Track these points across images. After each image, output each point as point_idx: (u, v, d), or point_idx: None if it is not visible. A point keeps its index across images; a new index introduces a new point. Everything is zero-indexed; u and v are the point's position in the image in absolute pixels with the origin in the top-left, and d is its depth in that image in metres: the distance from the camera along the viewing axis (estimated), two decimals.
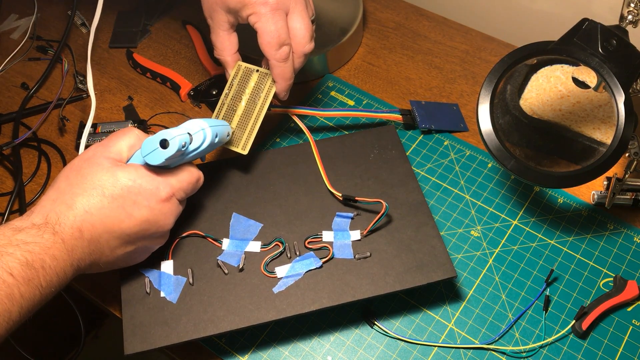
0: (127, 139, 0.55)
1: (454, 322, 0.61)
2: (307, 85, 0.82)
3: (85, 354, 0.71)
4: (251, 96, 0.65)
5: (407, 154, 0.73)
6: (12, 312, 0.45)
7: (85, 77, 0.82)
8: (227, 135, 0.63)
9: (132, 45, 0.87)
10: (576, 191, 0.70)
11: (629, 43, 0.57)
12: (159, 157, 0.52)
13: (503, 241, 0.66)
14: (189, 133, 0.55)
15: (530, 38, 0.63)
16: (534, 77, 0.69)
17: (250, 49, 0.69)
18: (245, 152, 0.64)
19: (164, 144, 0.52)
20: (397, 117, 0.74)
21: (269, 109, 0.65)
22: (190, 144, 0.55)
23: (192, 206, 0.63)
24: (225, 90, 0.66)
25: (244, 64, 0.66)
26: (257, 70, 0.65)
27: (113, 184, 0.52)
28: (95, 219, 0.51)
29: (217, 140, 0.59)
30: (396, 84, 0.81)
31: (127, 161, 0.55)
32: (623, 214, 0.68)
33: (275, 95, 0.65)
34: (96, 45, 0.88)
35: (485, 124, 0.62)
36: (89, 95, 0.69)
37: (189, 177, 0.57)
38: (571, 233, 0.66)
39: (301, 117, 0.72)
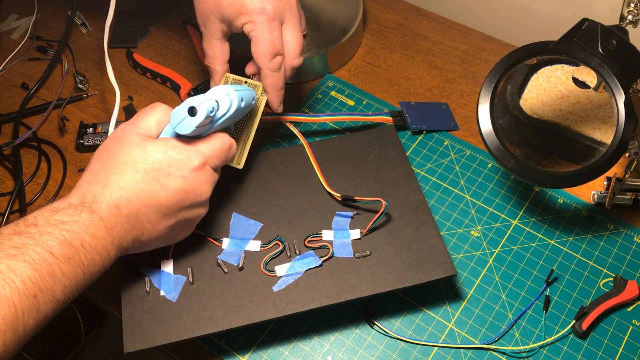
0: (155, 114, 0.55)
1: (454, 322, 0.61)
2: (307, 85, 0.82)
3: (85, 354, 0.71)
4: None
5: (407, 154, 0.73)
6: (56, 291, 0.45)
7: (85, 77, 0.83)
8: (253, 100, 0.61)
9: (132, 45, 0.87)
10: (576, 191, 0.70)
11: (629, 43, 0.57)
12: (189, 125, 0.52)
13: (503, 241, 0.66)
14: (215, 100, 0.55)
15: (530, 38, 0.63)
16: (534, 77, 0.69)
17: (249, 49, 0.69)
18: (240, 167, 0.64)
19: (192, 111, 0.52)
20: (388, 119, 0.74)
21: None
22: (217, 110, 0.55)
23: None
24: None
25: (232, 75, 0.65)
26: (246, 82, 0.65)
27: (144, 158, 0.52)
28: (130, 194, 0.51)
29: (243, 104, 0.58)
30: (396, 84, 0.81)
31: (158, 136, 0.55)
32: (623, 214, 0.68)
33: (269, 106, 0.65)
34: (96, 45, 0.88)
35: (485, 124, 0.62)
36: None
37: (221, 144, 0.56)
38: (571, 233, 0.66)
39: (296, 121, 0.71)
